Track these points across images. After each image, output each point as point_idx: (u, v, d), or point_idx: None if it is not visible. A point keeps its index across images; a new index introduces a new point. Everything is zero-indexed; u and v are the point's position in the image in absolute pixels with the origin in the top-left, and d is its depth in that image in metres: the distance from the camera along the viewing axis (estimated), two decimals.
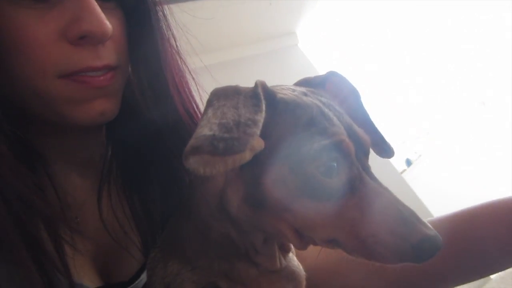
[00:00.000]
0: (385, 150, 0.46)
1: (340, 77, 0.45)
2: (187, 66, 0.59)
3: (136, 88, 0.55)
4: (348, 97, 0.45)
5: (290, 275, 0.47)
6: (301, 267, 0.49)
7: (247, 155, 0.32)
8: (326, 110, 0.38)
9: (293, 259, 0.49)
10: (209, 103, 0.36)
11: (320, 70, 2.58)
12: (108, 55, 0.46)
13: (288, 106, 0.38)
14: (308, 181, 0.36)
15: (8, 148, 0.42)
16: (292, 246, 0.48)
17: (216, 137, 0.32)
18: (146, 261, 0.55)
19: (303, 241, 0.40)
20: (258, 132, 0.33)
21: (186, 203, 0.47)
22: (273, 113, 0.38)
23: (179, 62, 0.57)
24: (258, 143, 0.33)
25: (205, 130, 0.33)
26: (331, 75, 0.45)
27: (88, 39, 0.43)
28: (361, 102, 0.46)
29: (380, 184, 0.38)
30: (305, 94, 0.40)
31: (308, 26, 2.66)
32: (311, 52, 2.71)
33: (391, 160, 2.30)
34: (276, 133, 0.37)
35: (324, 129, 0.36)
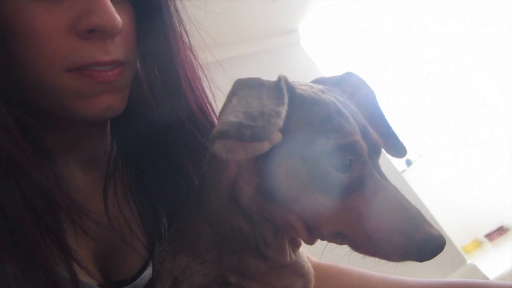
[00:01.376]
0: (398, 150, 0.47)
1: (357, 78, 0.46)
2: (199, 62, 0.58)
3: (145, 84, 0.55)
4: (364, 98, 0.46)
5: (300, 270, 0.47)
6: (309, 264, 0.49)
7: (266, 146, 0.34)
8: (343, 108, 0.39)
9: (303, 255, 0.49)
10: (233, 92, 0.37)
11: (321, 68, 2.57)
12: (116, 50, 0.45)
13: (306, 101, 0.39)
14: (321, 175, 0.37)
15: (24, 137, 0.41)
16: (301, 242, 0.48)
17: (242, 124, 0.33)
18: (149, 258, 0.56)
19: (311, 235, 0.41)
20: (281, 123, 0.34)
21: (197, 196, 0.47)
22: (291, 107, 0.38)
23: (191, 58, 0.56)
24: (276, 136, 0.34)
25: (231, 117, 0.34)
26: (348, 75, 0.46)
27: (97, 33, 0.42)
28: (377, 103, 0.47)
29: (389, 182, 0.39)
30: (323, 92, 0.41)
31: (310, 24, 2.65)
32: (313, 50, 2.70)
33: (392, 159, 2.30)
34: (293, 126, 0.38)
35: (340, 127, 0.37)
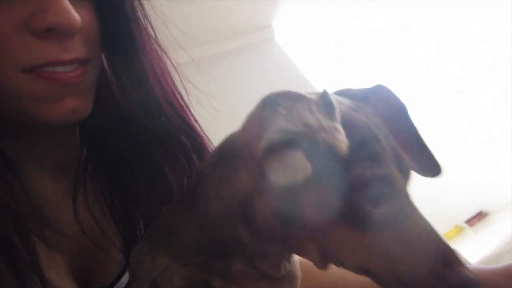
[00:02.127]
0: (432, 169, 0.43)
1: (387, 91, 0.42)
2: (168, 57, 0.56)
3: (114, 84, 0.53)
4: (395, 114, 0.42)
5: (292, 278, 0.45)
6: (299, 268, 0.47)
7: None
8: (376, 131, 0.36)
9: (295, 260, 0.46)
10: (275, 102, 0.32)
11: (297, 63, 2.56)
12: (76, 48, 0.43)
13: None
14: (351, 207, 0.34)
15: None
16: None
17: (308, 134, 0.29)
18: (127, 264, 0.53)
19: (325, 261, 0.38)
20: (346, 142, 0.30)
21: (190, 198, 0.44)
22: None
23: (159, 52, 0.54)
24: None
25: (289, 125, 0.29)
26: (378, 88, 0.42)
27: (54, 32, 0.40)
28: (410, 118, 0.43)
29: (419, 214, 0.36)
30: (355, 110, 0.37)
31: (284, 19, 2.64)
32: (288, 45, 2.69)
33: None
34: None
35: (376, 155, 0.34)
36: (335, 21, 3.03)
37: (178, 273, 0.40)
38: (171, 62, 0.56)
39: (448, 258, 0.33)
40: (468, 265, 0.33)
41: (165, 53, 0.55)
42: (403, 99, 0.41)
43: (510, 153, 2.93)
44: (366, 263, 0.35)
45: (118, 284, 0.53)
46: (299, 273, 0.47)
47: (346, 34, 3.25)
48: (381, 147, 0.35)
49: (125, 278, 0.54)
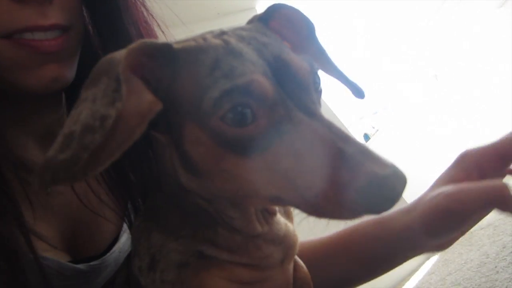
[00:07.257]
0: (354, 91, 0.42)
1: (289, 9, 0.40)
2: (155, 19, 0.55)
3: (100, 49, 0.52)
4: (299, 31, 0.40)
5: (275, 239, 0.43)
6: (291, 229, 0.46)
7: (138, 131, 0.29)
8: (240, 45, 0.32)
9: (279, 222, 0.45)
10: (80, 95, 0.31)
11: None
12: (56, 13, 0.42)
13: (190, 54, 0.33)
14: (220, 136, 0.30)
15: None
16: (276, 209, 0.45)
17: (53, 166, 0.28)
18: (128, 226, 0.56)
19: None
20: (102, 135, 0.28)
21: (157, 174, 0.45)
22: (174, 67, 0.33)
23: (145, 14, 0.53)
24: (149, 105, 0.30)
25: (54, 147, 0.29)
26: (278, 7, 0.40)
27: None
28: (315, 36, 0.41)
29: (319, 120, 0.30)
30: (218, 36, 0.34)
31: (267, 2, 2.62)
32: None
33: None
34: (181, 89, 0.32)
35: (231, 69, 0.30)
36: (317, 2, 3.02)
37: (173, 248, 0.40)
38: (158, 24, 0.55)
39: (350, 159, 0.27)
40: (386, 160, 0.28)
41: (151, 15, 0.54)
42: (309, 19, 0.39)
43: (485, 133, 3.02)
44: (271, 191, 0.31)
45: (110, 253, 0.54)
46: (290, 234, 0.46)
47: (328, 15, 3.25)
48: (240, 60, 0.31)
49: (117, 247, 0.55)
